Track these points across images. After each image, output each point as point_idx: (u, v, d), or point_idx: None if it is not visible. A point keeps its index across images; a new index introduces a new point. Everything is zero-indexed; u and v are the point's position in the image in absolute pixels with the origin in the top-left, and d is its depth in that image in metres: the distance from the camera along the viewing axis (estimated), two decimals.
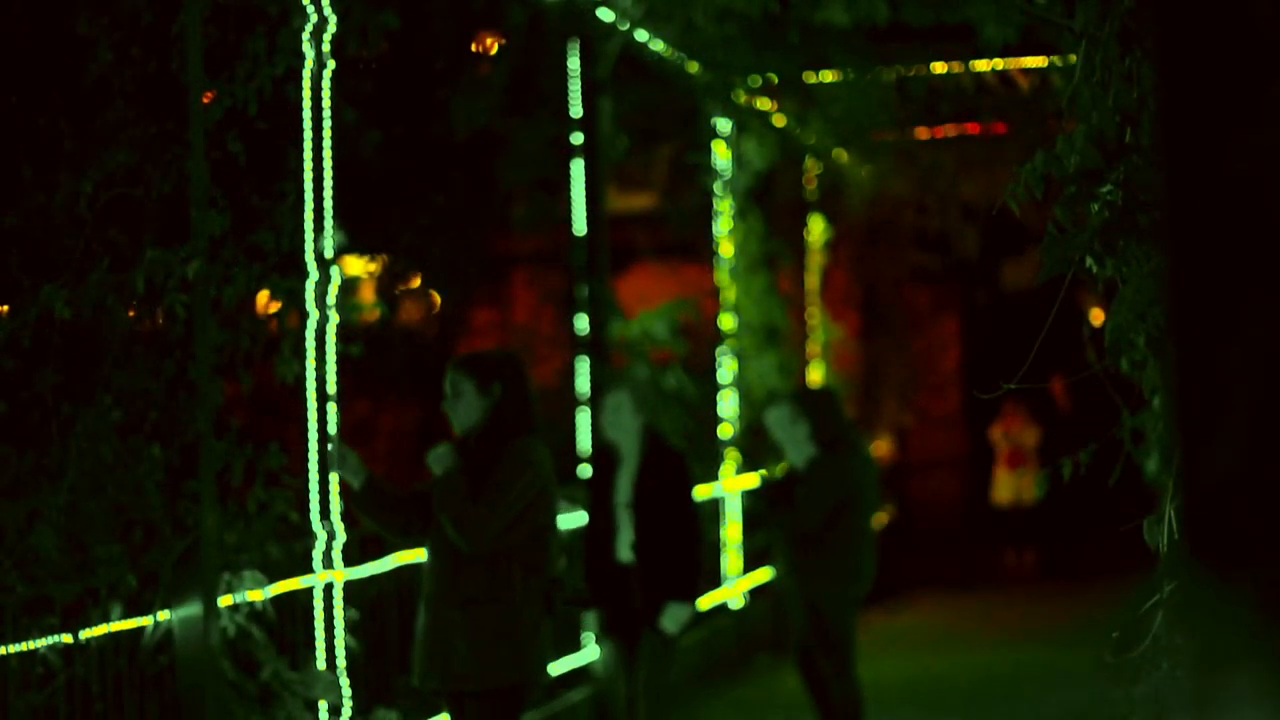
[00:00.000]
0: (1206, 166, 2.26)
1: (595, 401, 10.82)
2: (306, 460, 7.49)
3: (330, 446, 6.55)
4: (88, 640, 6.58)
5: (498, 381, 6.47)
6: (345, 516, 7.68)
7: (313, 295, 7.47)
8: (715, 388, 13.65)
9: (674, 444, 8.61)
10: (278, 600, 7.42)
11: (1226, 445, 2.17)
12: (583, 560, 8.63)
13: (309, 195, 7.46)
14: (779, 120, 14.73)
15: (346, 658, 7.62)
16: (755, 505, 9.91)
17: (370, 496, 6.48)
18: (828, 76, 13.63)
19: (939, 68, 13.83)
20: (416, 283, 14.31)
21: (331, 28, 7.47)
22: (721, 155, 13.84)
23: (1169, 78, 2.29)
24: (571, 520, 9.99)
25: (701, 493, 12.66)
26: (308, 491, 7.50)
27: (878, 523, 18.25)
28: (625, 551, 8.28)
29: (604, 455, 8.57)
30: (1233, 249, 2.27)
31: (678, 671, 8.98)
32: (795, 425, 9.22)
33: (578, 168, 11.02)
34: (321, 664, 7.52)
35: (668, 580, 8.31)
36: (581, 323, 11.03)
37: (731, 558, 13.38)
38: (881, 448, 19.29)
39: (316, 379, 7.50)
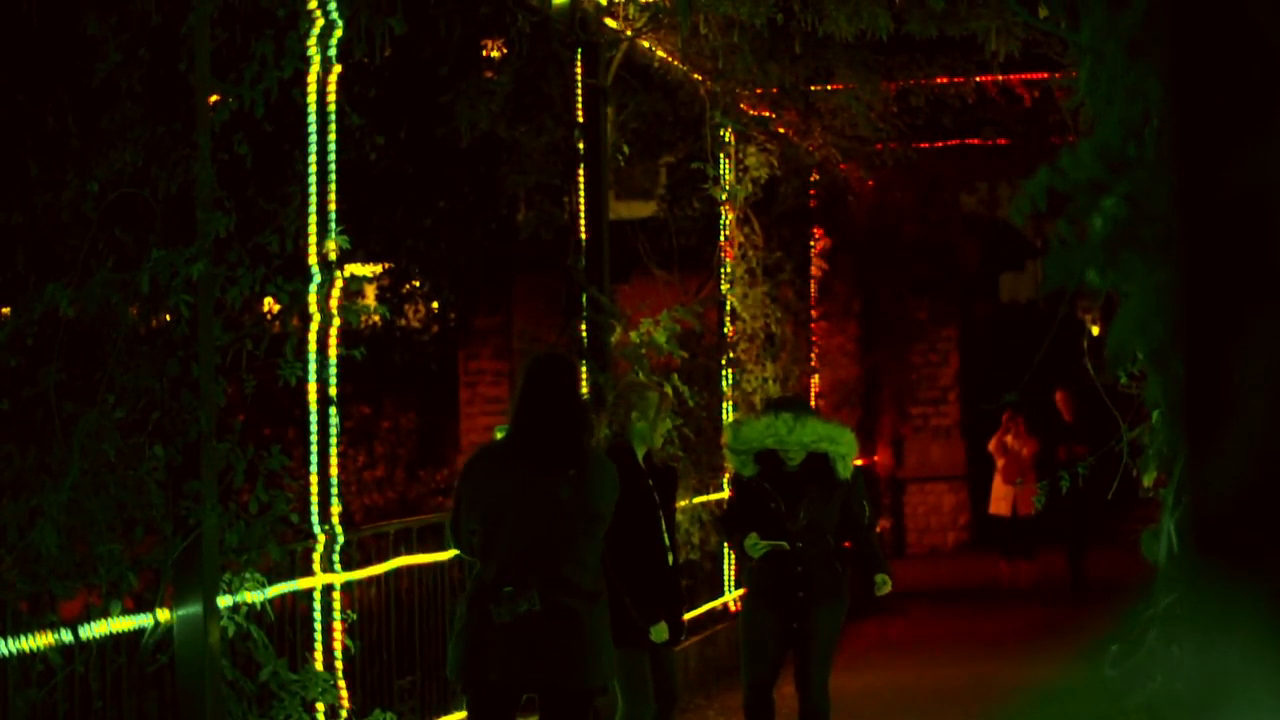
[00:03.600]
0: (1216, 179, 2.29)
1: (597, 408, 10.81)
2: (308, 462, 7.51)
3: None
4: (87, 638, 6.59)
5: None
6: (344, 519, 7.71)
7: (316, 298, 7.48)
8: (718, 396, 13.65)
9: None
10: (277, 601, 7.43)
11: (1236, 449, 2.19)
12: (640, 568, 8.04)
13: (314, 198, 7.48)
14: (782, 130, 14.76)
15: (345, 660, 7.64)
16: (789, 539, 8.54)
17: None
18: (831, 87, 13.65)
19: (942, 80, 13.85)
20: (418, 283, 14.33)
21: (338, 31, 7.49)
22: (724, 164, 13.85)
23: (1179, 92, 2.32)
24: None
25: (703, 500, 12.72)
26: (308, 493, 7.51)
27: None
28: (671, 557, 8.14)
29: (632, 461, 8.17)
30: (1241, 259, 2.29)
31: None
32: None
33: (580, 174, 11.03)
34: (320, 665, 7.53)
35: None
36: (582, 329, 11.02)
37: (730, 565, 13.43)
38: (879, 458, 19.32)
39: (318, 381, 7.51)
